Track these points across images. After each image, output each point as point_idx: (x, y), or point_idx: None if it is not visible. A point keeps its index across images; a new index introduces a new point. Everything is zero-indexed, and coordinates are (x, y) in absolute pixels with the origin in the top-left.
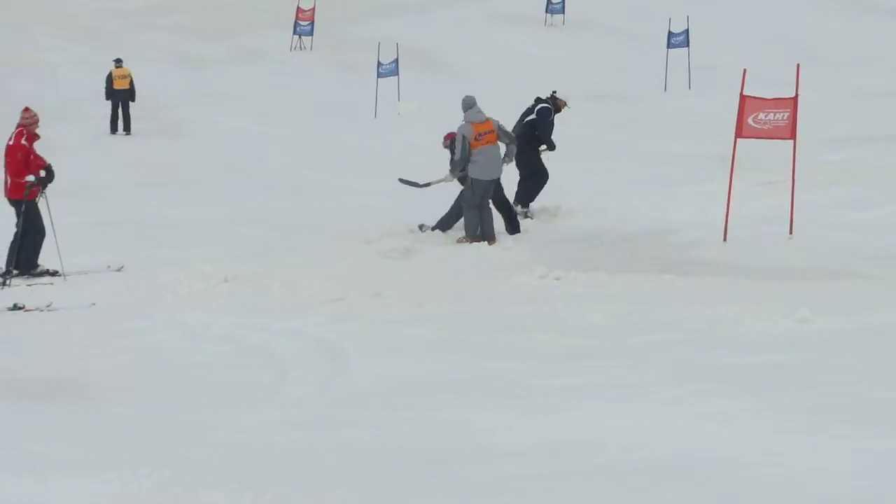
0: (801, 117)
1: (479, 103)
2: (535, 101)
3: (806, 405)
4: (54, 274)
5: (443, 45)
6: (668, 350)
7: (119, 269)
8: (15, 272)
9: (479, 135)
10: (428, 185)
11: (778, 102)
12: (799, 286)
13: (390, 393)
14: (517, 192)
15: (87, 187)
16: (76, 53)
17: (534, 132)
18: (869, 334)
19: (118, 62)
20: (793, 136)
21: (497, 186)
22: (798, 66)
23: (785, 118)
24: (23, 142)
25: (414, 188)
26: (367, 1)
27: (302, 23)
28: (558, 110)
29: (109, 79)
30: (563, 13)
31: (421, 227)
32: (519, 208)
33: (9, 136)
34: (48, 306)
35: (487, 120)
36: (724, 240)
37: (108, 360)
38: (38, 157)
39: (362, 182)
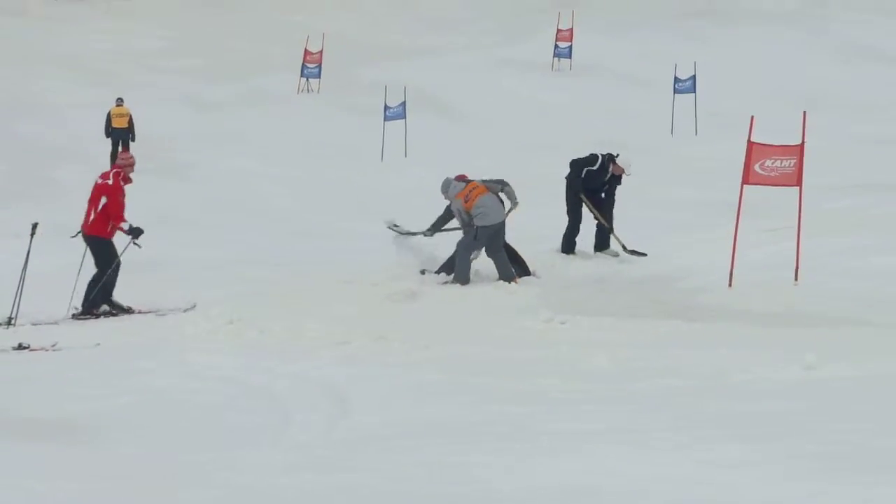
0: (807, 164)
1: (489, 146)
2: (604, 154)
3: (811, 452)
4: (128, 311)
5: (450, 89)
6: (673, 396)
7: (191, 308)
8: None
9: (467, 196)
10: (411, 234)
11: (785, 150)
12: (805, 332)
13: (395, 436)
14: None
15: None
16: (84, 95)
17: (578, 172)
18: (875, 381)
19: (119, 101)
20: (799, 183)
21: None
22: (804, 113)
23: (791, 165)
24: (120, 182)
25: (402, 234)
26: (374, 44)
27: (309, 65)
28: (606, 169)
29: (108, 117)
30: (571, 58)
31: (423, 271)
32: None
33: (102, 174)
34: (53, 346)
35: (465, 184)
36: (730, 286)
37: (113, 401)
38: None
39: (368, 224)
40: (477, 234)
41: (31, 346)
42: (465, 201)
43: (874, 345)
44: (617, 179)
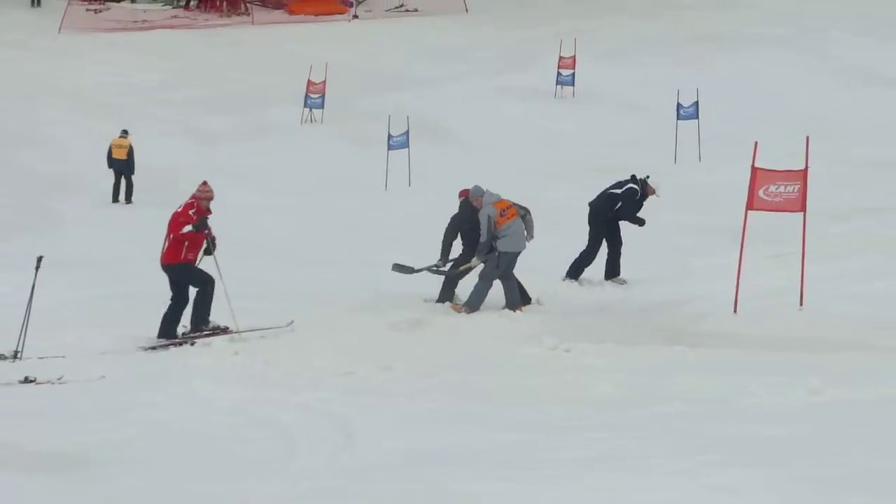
0: (811, 189)
1: (493, 174)
2: (631, 178)
3: (816, 476)
4: (225, 330)
5: (453, 117)
6: (678, 421)
7: (289, 325)
8: (183, 331)
9: (503, 211)
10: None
11: (788, 175)
12: (809, 357)
13: (400, 465)
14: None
15: (96, 260)
16: (85, 127)
17: (612, 205)
18: (879, 405)
19: (123, 133)
20: (803, 208)
21: None
22: (808, 138)
23: (795, 191)
24: (190, 213)
25: (408, 273)
26: (377, 74)
27: (312, 96)
28: (645, 195)
29: (110, 148)
30: (573, 86)
31: (426, 300)
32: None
33: (179, 205)
34: (59, 379)
35: (503, 198)
36: (735, 311)
37: (118, 433)
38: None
39: (372, 254)
40: (500, 261)
41: (38, 380)
42: (501, 215)
43: (878, 369)
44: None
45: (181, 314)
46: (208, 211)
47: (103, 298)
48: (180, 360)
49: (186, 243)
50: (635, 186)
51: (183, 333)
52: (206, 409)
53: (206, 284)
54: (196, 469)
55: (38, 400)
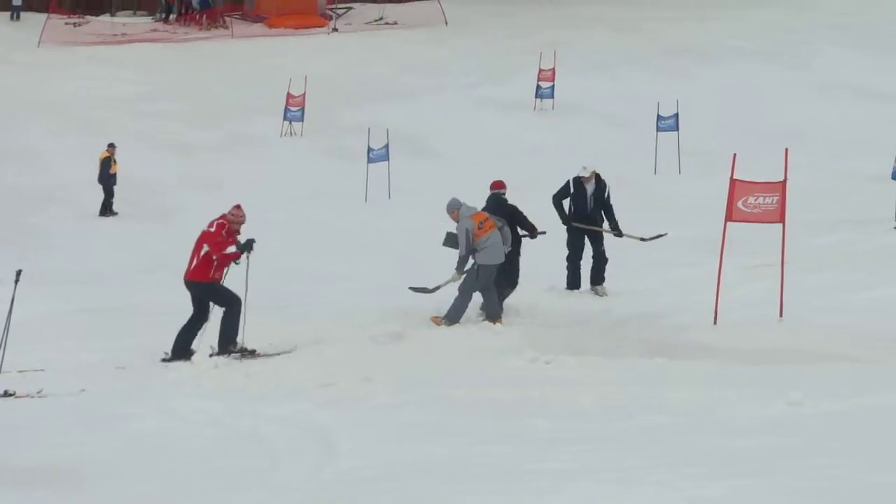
0: (791, 201)
1: (473, 187)
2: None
3: (797, 488)
4: (252, 353)
5: (433, 130)
6: (659, 434)
7: (291, 351)
8: (210, 352)
9: (481, 223)
10: (437, 288)
11: (767, 186)
12: (789, 369)
13: (381, 477)
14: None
15: (78, 273)
16: (66, 141)
17: (561, 207)
18: (860, 417)
19: (108, 146)
20: (782, 219)
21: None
22: (786, 150)
23: (774, 202)
24: (223, 232)
25: (425, 294)
26: (356, 87)
27: (292, 109)
28: (582, 185)
29: None
30: (553, 98)
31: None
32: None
33: (209, 222)
34: (38, 393)
35: (480, 210)
36: (715, 323)
37: (98, 447)
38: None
39: (353, 267)
40: (479, 273)
41: (17, 393)
42: (479, 228)
43: (859, 380)
44: (602, 188)
45: (198, 330)
46: (238, 233)
47: (83, 312)
48: (160, 373)
49: (216, 262)
50: (567, 180)
51: (210, 355)
52: (186, 422)
53: (232, 304)
54: (177, 482)
55: (18, 414)
